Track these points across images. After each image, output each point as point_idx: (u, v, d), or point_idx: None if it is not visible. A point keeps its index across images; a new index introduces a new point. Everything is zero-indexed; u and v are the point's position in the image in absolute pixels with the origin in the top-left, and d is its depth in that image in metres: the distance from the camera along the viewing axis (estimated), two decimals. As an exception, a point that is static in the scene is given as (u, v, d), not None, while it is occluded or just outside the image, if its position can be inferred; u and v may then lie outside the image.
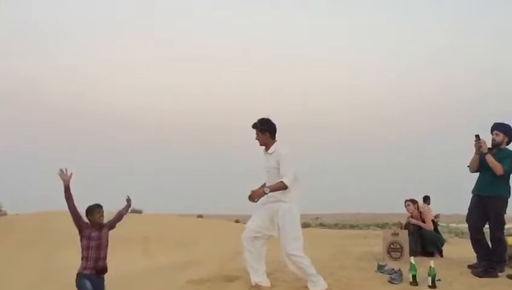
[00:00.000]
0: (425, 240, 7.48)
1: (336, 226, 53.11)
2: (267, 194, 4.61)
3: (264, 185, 4.76)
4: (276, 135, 4.90)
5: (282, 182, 4.59)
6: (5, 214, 41.72)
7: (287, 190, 4.63)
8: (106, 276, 5.45)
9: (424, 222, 7.68)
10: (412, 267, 5.11)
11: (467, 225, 6.00)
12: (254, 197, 4.60)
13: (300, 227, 4.83)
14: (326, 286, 4.71)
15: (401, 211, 8.48)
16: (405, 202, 7.93)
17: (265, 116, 4.88)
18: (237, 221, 45.01)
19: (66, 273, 16.87)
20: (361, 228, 44.84)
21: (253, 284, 4.79)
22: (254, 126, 4.89)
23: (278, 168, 4.69)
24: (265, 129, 4.84)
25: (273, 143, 4.86)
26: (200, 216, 47.09)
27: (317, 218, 69.90)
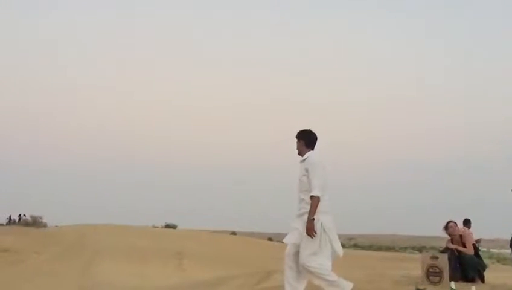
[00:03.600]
0: (465, 265, 7.22)
1: (370, 247, 52.07)
2: (313, 219, 4.59)
3: (301, 208, 4.78)
4: (315, 147, 4.99)
5: (313, 197, 4.61)
6: (45, 225, 42.92)
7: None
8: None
9: (464, 246, 7.43)
10: (452, 293, 4.94)
11: (509, 251, 5.78)
12: (310, 232, 4.58)
13: (323, 240, 4.64)
14: (351, 285, 4.58)
15: (439, 234, 8.25)
16: (447, 223, 7.69)
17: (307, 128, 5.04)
18: (270, 239, 44.80)
19: (102, 287, 17.21)
20: (397, 250, 43.79)
21: None
22: (295, 135, 5.07)
23: (306, 176, 4.74)
24: (301, 137, 5.01)
25: (307, 152, 4.94)
26: (234, 233, 47.18)
27: (352, 239, 68.68)
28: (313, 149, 4.99)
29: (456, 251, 7.36)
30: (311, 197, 4.62)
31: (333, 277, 4.57)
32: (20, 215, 46.57)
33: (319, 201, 4.61)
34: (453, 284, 5.06)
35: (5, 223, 46.38)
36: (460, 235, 7.61)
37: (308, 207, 4.66)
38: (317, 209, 4.64)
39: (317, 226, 4.61)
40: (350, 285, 4.56)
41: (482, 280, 7.29)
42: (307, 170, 4.77)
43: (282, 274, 9.06)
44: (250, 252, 26.17)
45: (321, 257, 4.60)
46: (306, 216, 4.66)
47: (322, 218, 4.65)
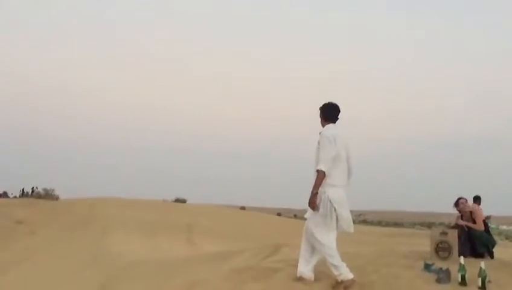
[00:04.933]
0: (475, 241, 7.24)
1: (379, 223, 52.24)
2: (317, 193, 4.62)
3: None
4: (336, 120, 4.98)
5: (317, 171, 4.63)
6: (57, 198, 43.54)
7: (327, 174, 4.63)
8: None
9: (474, 222, 7.42)
10: (462, 268, 4.96)
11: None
12: (311, 205, 4.65)
13: (329, 215, 4.67)
14: (352, 276, 4.57)
15: (447, 211, 8.22)
16: (458, 200, 7.67)
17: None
18: (279, 214, 45.13)
19: (114, 258, 17.52)
20: (406, 227, 43.89)
21: (298, 275, 4.79)
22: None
23: (318, 150, 4.76)
24: (320, 110, 5.02)
25: (326, 125, 4.93)
26: (243, 208, 47.51)
27: (361, 215, 68.93)
28: (333, 122, 4.96)
29: (465, 227, 7.36)
30: (316, 171, 4.63)
31: (337, 260, 4.58)
32: (32, 188, 47.15)
33: (323, 175, 4.61)
34: (462, 259, 5.06)
35: (18, 196, 47.20)
36: (471, 212, 7.59)
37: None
38: (325, 183, 4.65)
39: (323, 200, 4.62)
40: (351, 275, 4.56)
41: (491, 256, 7.30)
42: (318, 143, 4.76)
43: (291, 248, 9.16)
44: (259, 226, 26.40)
45: (325, 232, 4.63)
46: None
47: (329, 191, 4.66)
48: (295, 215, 44.04)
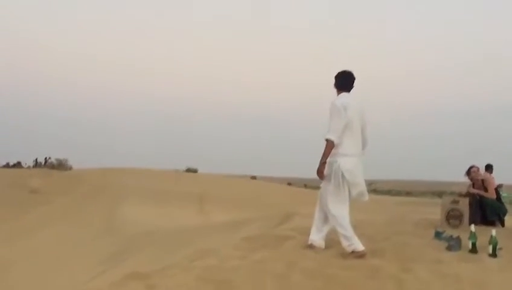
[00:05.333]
0: (486, 209, 7.20)
1: (389, 192, 52.30)
2: (325, 163, 4.59)
3: None
4: (351, 89, 4.88)
5: (325, 140, 4.59)
6: (70, 168, 44.06)
7: (338, 144, 4.59)
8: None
9: (486, 190, 7.38)
10: (472, 235, 4.94)
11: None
12: (320, 175, 4.63)
13: (341, 184, 4.61)
14: (363, 249, 4.53)
15: (459, 180, 8.17)
16: (470, 168, 7.62)
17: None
18: (289, 184, 45.32)
19: (127, 226, 17.77)
20: (416, 196, 43.93)
21: (309, 243, 4.82)
22: None
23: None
24: (334, 79, 4.91)
25: (339, 94, 4.85)
26: (254, 177, 47.79)
27: (371, 184, 68.90)
28: (347, 91, 4.86)
29: (477, 196, 7.32)
30: (325, 140, 4.60)
31: (349, 231, 4.55)
32: (46, 158, 47.87)
33: (332, 145, 4.56)
34: (472, 227, 5.05)
35: (32, 166, 47.76)
36: (482, 180, 7.54)
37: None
38: (337, 152, 4.61)
39: (334, 170, 4.59)
40: (362, 247, 4.52)
41: (502, 224, 7.29)
42: (329, 112, 4.71)
43: (302, 217, 9.21)
44: (270, 196, 26.59)
45: (338, 202, 4.61)
46: (328, 159, 4.66)
47: (341, 161, 4.61)
48: (305, 185, 44.23)
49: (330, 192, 4.65)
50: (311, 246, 4.78)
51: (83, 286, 7.61)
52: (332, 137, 4.56)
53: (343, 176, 4.58)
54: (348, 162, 4.62)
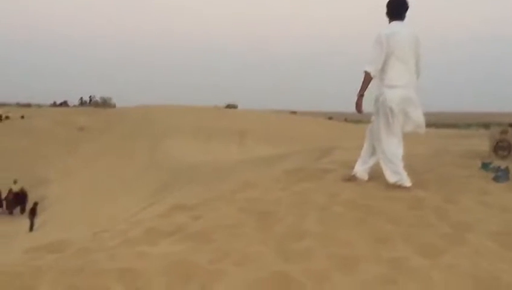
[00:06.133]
0: (537, 140, 6.91)
1: (433, 125, 51.03)
2: (362, 95, 4.46)
3: None
4: (404, 16, 4.59)
5: (363, 72, 4.43)
6: (114, 106, 45.17)
7: (383, 75, 4.42)
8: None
9: (538, 120, 7.06)
10: (521, 166, 4.79)
11: None
12: (358, 109, 4.50)
13: (389, 117, 4.44)
14: (409, 184, 4.39)
15: (507, 110, 7.80)
16: None
17: None
18: (330, 118, 44.95)
19: (171, 161, 18.34)
20: (462, 128, 42.74)
21: (353, 173, 4.79)
22: None
23: None
24: (386, 7, 4.63)
25: (391, 22, 4.60)
26: (294, 112, 47.64)
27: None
28: (399, 19, 4.56)
29: (528, 126, 7.01)
30: (363, 72, 4.44)
31: (397, 166, 4.42)
32: (90, 96, 49.27)
33: (369, 77, 4.40)
34: (522, 158, 4.87)
35: (77, 105, 49.25)
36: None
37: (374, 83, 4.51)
38: (382, 84, 4.46)
39: (381, 102, 4.45)
40: (409, 183, 4.39)
41: (554, 155, 7.01)
42: None
43: (343, 150, 9.16)
44: (310, 131, 26.56)
45: (387, 136, 4.50)
46: (375, 93, 4.53)
47: (387, 93, 4.43)
48: (346, 119, 43.70)
49: (379, 126, 4.53)
50: (354, 177, 4.76)
51: (132, 217, 8.00)
52: (368, 68, 4.40)
53: (390, 109, 4.43)
54: (396, 94, 4.43)
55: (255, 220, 3.57)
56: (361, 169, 4.76)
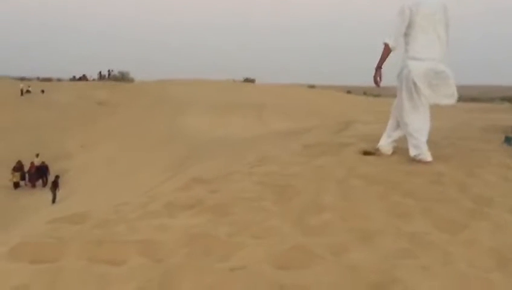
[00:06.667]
0: None
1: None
2: (380, 68, 4.40)
3: None
4: None
5: (383, 44, 4.36)
6: (132, 80, 45.41)
7: (408, 46, 4.34)
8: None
9: None
10: (546, 141, 4.67)
11: None
12: (375, 81, 4.43)
13: (411, 89, 4.38)
14: (430, 159, 4.34)
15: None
16: None
17: None
18: (349, 92, 44.43)
19: (191, 135, 18.47)
20: (485, 101, 41.88)
21: (377, 147, 4.76)
22: None
23: None
24: None
25: None
26: (312, 86, 47.20)
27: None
28: None
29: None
30: (383, 43, 4.37)
31: (420, 141, 4.36)
32: (109, 70, 49.51)
33: (388, 49, 4.35)
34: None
35: (96, 79, 49.62)
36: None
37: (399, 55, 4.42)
38: (406, 56, 4.39)
39: (405, 75, 4.37)
40: (430, 158, 4.33)
41: None
42: None
43: (362, 124, 9.08)
44: (329, 104, 26.34)
45: (411, 109, 4.41)
46: (400, 65, 4.44)
47: (411, 65, 4.35)
48: (365, 93, 43.16)
49: (402, 100, 4.46)
50: (378, 151, 4.72)
51: (151, 190, 8.11)
52: (388, 40, 4.32)
53: (414, 83, 4.34)
54: (420, 66, 4.33)
55: (273, 194, 3.57)
56: (385, 143, 4.72)
